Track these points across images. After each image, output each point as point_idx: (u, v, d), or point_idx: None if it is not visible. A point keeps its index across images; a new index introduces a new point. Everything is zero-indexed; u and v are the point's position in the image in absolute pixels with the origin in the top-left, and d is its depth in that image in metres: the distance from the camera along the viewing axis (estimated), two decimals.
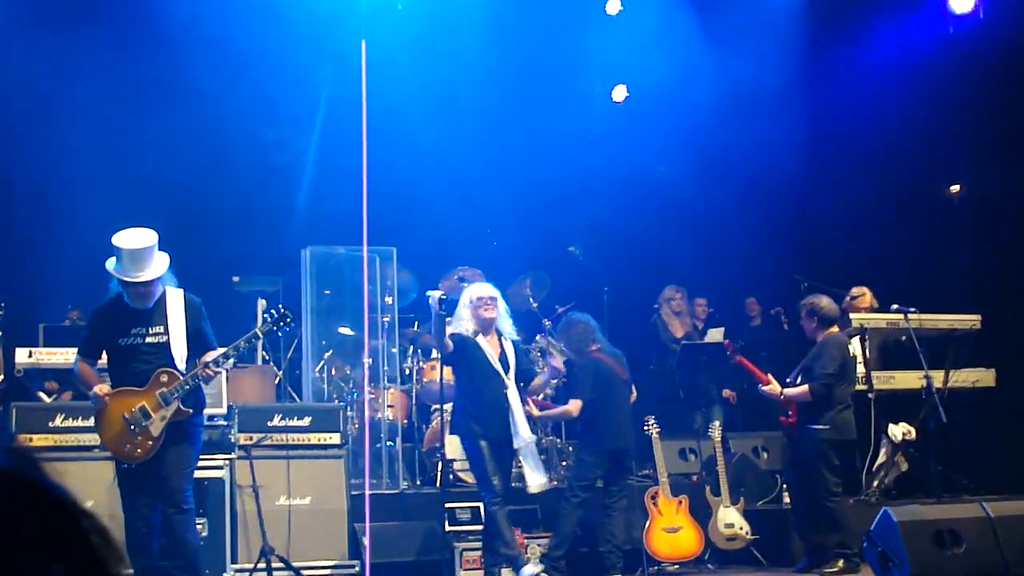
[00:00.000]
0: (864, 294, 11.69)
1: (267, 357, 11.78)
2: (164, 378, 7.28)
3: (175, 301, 7.45)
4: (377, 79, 12.94)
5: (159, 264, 7.34)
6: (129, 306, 7.38)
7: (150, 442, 7.24)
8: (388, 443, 10.93)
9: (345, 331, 11.49)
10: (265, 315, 7.91)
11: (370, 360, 11.31)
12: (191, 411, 7.37)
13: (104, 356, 7.63)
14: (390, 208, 13.05)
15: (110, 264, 7.35)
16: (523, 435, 8.81)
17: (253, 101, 13.00)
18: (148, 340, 7.34)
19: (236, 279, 12.23)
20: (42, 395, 10.35)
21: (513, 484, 9.39)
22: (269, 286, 12.24)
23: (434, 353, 11.70)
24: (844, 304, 11.34)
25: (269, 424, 9.27)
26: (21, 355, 10.12)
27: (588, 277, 12.69)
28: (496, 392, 8.81)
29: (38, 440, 8.69)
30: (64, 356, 10.28)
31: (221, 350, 7.45)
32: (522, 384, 9.14)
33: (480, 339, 8.91)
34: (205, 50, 12.18)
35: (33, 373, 10.29)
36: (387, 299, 11.44)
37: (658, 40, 13.93)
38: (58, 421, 8.85)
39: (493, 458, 8.75)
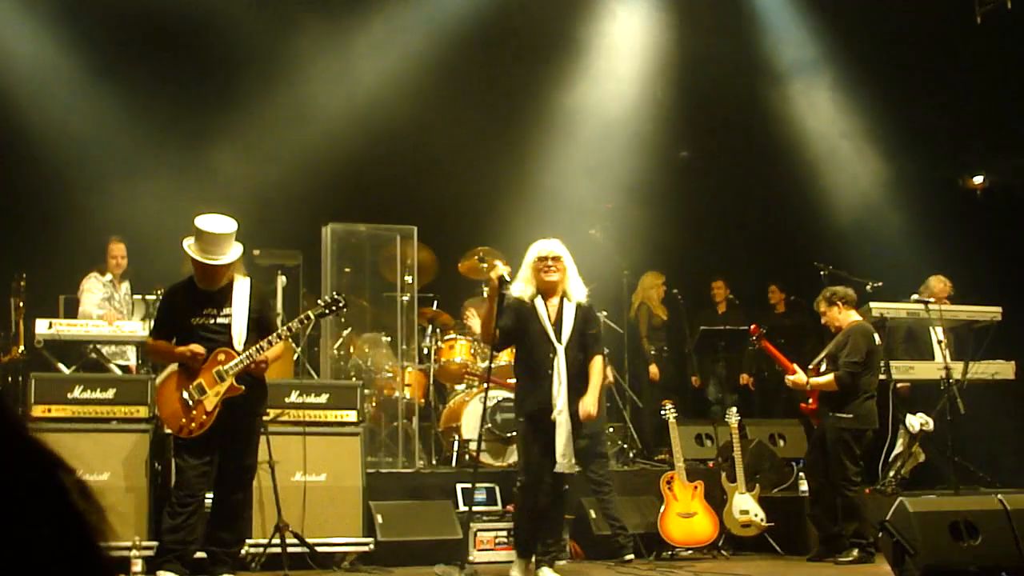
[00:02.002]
0: (941, 282, 11.66)
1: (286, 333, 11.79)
2: (221, 357, 7.60)
3: (242, 287, 7.79)
4: (400, 59, 13.03)
5: (234, 251, 7.70)
6: (199, 288, 7.72)
7: (204, 416, 7.55)
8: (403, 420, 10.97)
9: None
10: (319, 300, 8.23)
11: (388, 338, 11.35)
12: (243, 388, 7.61)
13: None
14: (412, 187, 13.06)
15: (188, 244, 7.66)
16: (560, 408, 7.94)
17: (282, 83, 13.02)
18: (218, 321, 7.68)
19: (256, 252, 12.23)
20: (61, 366, 10.38)
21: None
22: (289, 260, 12.24)
23: (451, 332, 11.71)
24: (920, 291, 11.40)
25: (286, 400, 9.28)
26: (41, 326, 10.16)
27: (609, 260, 12.66)
28: (543, 360, 8.06)
29: (56, 411, 8.71)
30: (83, 327, 10.33)
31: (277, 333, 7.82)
32: (582, 356, 8.22)
33: (538, 302, 8.17)
34: (230, 32, 12.19)
35: (52, 344, 10.32)
36: (407, 278, 11.44)
37: (679, 22, 13.85)
38: (77, 392, 8.87)
39: (530, 438, 8.09)
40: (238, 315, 7.69)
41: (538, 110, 14.04)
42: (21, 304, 10.34)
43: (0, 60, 11.80)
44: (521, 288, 8.23)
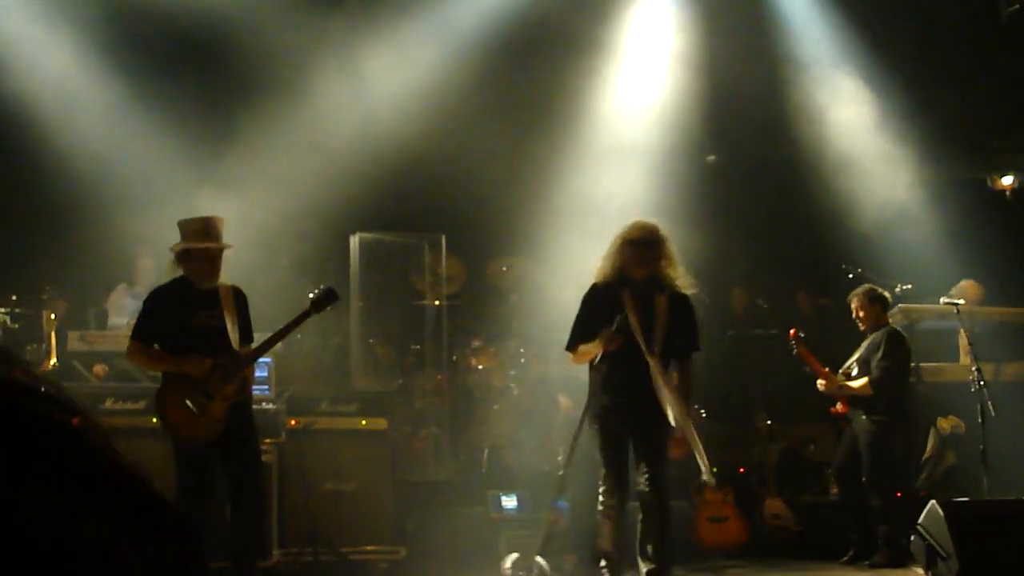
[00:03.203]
0: (975, 287, 11.62)
1: (316, 342, 11.85)
2: (223, 360, 7.38)
3: (227, 290, 7.59)
4: (423, 68, 13.02)
5: (224, 240, 7.54)
6: (193, 288, 7.51)
7: (215, 422, 7.34)
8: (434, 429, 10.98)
9: None
10: (310, 295, 7.90)
11: (418, 347, 11.38)
12: (249, 392, 7.56)
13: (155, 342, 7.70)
14: (439, 195, 13.06)
15: (176, 244, 7.54)
16: (672, 416, 7.28)
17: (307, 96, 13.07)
18: (214, 323, 7.46)
19: (285, 262, 12.30)
20: (92, 379, 10.45)
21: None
22: (318, 271, 12.28)
23: (475, 342, 11.72)
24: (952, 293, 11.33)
25: (317, 409, 9.31)
26: (73, 338, 10.24)
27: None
28: (634, 360, 7.31)
29: None
30: (115, 339, 10.40)
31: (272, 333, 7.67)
32: (670, 359, 7.49)
33: (625, 294, 7.43)
34: (256, 49, 12.26)
35: (84, 356, 10.40)
36: (435, 286, 11.48)
37: (706, 25, 13.82)
38: (108, 404, 8.94)
39: (615, 444, 7.47)
40: (230, 318, 7.51)
41: (562, 115, 14.02)
42: (52, 316, 10.42)
43: (30, 80, 11.88)
44: (603, 271, 7.67)
